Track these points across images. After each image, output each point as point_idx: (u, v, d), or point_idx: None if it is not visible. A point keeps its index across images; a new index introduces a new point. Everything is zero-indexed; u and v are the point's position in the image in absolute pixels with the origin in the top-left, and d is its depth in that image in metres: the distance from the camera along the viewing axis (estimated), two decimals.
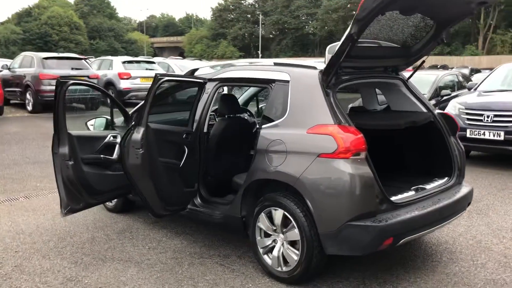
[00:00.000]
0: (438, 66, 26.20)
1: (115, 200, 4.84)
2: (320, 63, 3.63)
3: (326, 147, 3.13)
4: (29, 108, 14.03)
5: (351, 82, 3.69)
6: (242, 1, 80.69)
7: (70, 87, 3.71)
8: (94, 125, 4.80)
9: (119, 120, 4.63)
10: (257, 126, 4.43)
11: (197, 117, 4.09)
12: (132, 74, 15.05)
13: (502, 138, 6.98)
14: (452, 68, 23.80)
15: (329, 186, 3.12)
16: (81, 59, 15.04)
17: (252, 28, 76.80)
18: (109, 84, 14.88)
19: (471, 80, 11.08)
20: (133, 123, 3.78)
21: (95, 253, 4.00)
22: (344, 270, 3.62)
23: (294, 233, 3.31)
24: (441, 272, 3.65)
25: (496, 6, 48.71)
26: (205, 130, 4.11)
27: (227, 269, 3.68)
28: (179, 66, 16.91)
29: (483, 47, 53.23)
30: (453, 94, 9.84)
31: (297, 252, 3.32)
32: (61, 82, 3.67)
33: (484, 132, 7.15)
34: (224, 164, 4.23)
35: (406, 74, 4.24)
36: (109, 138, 4.13)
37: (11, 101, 15.53)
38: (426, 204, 3.43)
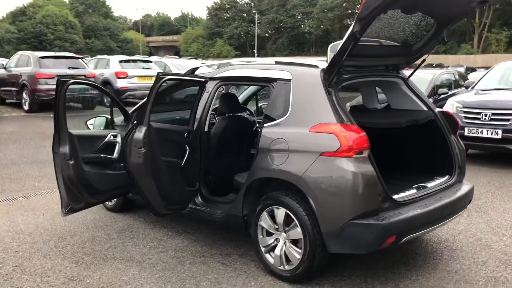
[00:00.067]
0: (434, 65, 26.27)
1: (115, 199, 4.83)
2: (321, 62, 3.63)
3: (329, 146, 3.13)
4: (26, 107, 13.95)
5: (353, 81, 3.69)
6: (238, 0, 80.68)
7: (70, 86, 3.71)
8: (94, 124, 4.78)
9: (118, 119, 4.62)
10: (257, 125, 4.43)
11: (198, 116, 4.08)
12: (129, 73, 15.01)
13: (499, 136, 7.01)
14: (447, 67, 23.83)
15: (331, 185, 3.12)
16: (77, 58, 14.96)
17: (248, 27, 76.73)
18: (106, 83, 14.80)
19: (468, 79, 11.11)
20: (135, 122, 3.77)
21: (96, 252, 3.98)
22: (346, 269, 3.63)
23: (297, 232, 3.31)
24: (443, 270, 3.66)
25: (491, 5, 48.89)
26: (206, 129, 4.10)
27: (229, 268, 3.67)
28: (176, 65, 16.92)
29: (478, 45, 53.44)
30: (450, 92, 9.87)
31: (299, 250, 3.32)
32: (62, 81, 3.65)
33: (481, 131, 7.17)
34: (225, 163, 4.23)
35: (406, 72, 4.25)
36: (109, 137, 4.12)
37: (7, 101, 15.44)
38: (428, 202, 3.44)
